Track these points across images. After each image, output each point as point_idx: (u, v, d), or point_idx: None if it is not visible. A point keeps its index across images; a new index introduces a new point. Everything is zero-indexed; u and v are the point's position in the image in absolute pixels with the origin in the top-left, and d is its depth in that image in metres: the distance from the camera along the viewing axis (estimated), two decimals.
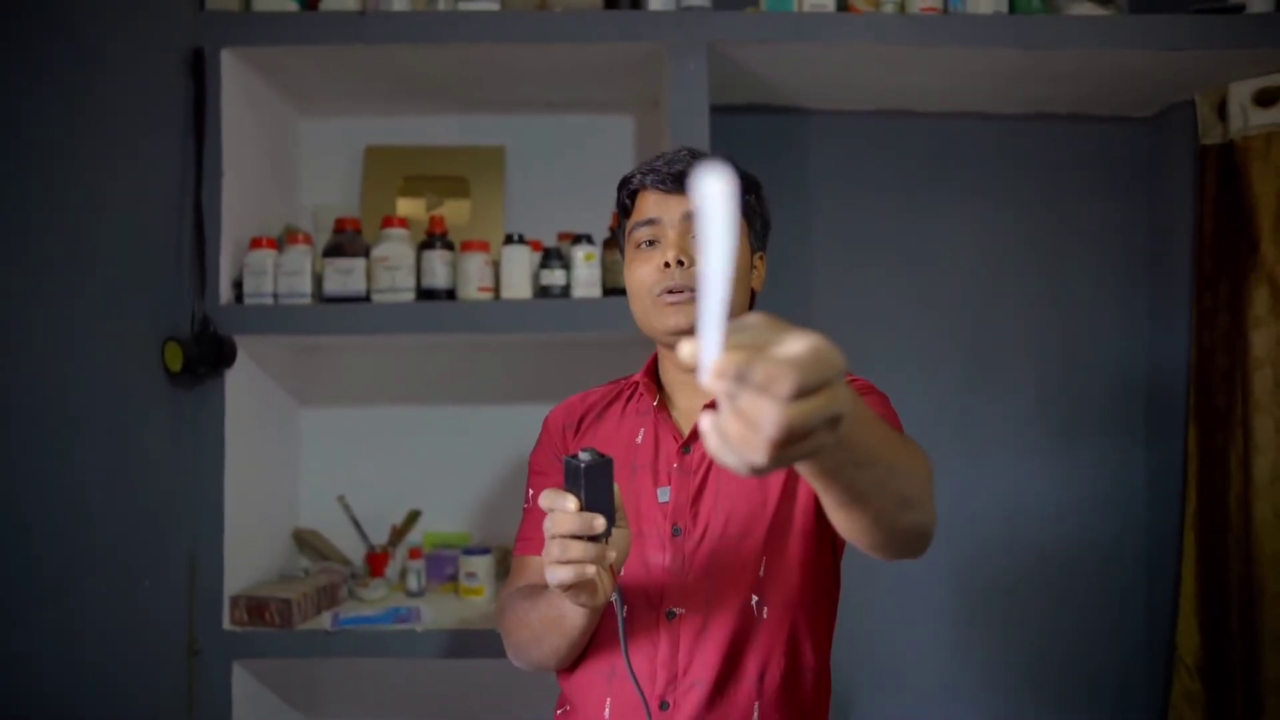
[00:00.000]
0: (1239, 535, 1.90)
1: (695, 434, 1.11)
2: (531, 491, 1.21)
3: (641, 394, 1.19)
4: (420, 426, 2.19)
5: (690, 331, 1.09)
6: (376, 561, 2.07)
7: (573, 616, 0.98)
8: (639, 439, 1.15)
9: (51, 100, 1.40)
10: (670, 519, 1.10)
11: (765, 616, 1.07)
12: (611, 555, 0.88)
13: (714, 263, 0.68)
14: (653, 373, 1.22)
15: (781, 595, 1.07)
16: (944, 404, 2.22)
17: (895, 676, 2.18)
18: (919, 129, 2.23)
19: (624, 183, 1.19)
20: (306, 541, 2.11)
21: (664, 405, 1.17)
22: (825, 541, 1.10)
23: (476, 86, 2.07)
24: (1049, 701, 2.19)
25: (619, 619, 0.97)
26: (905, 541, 0.86)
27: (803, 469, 0.69)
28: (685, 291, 1.08)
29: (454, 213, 2.15)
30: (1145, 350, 2.22)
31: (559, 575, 0.87)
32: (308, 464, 2.19)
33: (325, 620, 1.81)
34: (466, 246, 1.84)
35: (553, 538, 0.87)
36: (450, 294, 1.83)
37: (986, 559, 2.20)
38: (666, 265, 1.10)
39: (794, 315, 2.17)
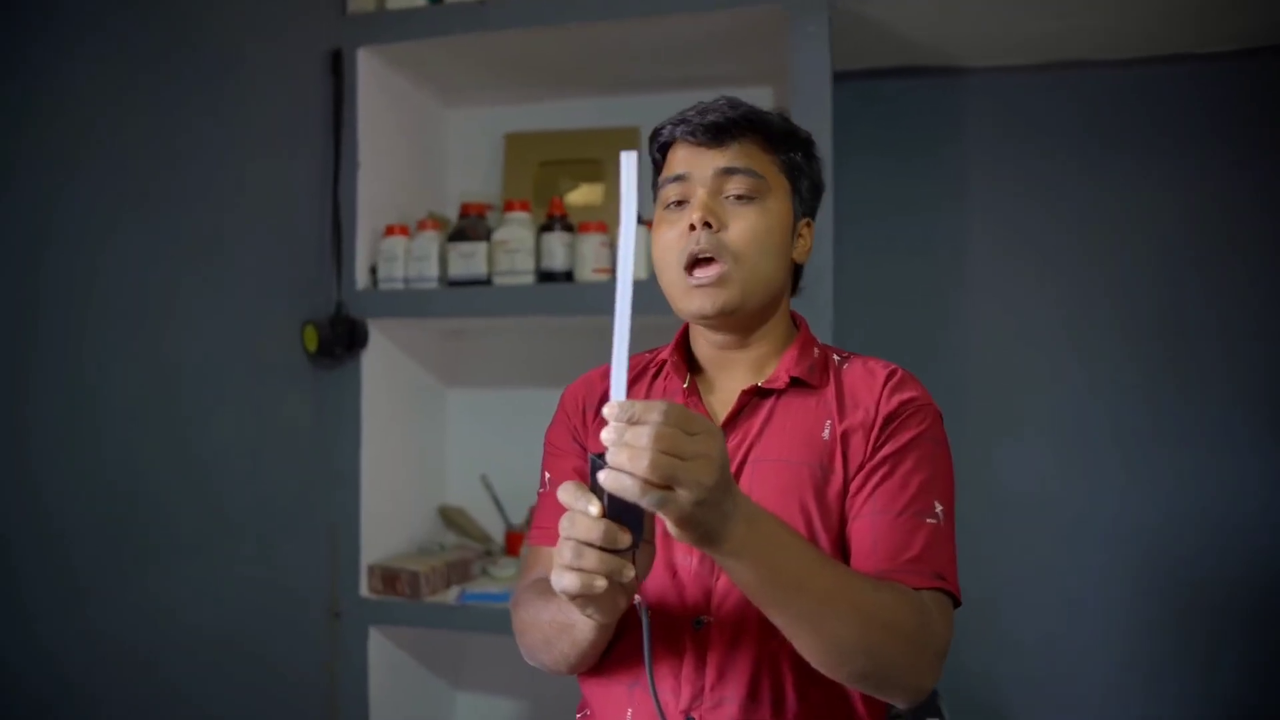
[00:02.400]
0: None
1: (730, 421, 1.01)
2: (548, 475, 1.10)
3: (670, 372, 1.07)
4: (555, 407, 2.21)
5: (717, 316, 0.98)
6: (513, 541, 2.12)
7: (582, 627, 0.88)
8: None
9: (201, 104, 1.54)
10: None
11: None
12: (630, 574, 0.75)
13: (621, 275, 0.67)
14: (683, 348, 1.09)
15: None
16: (1129, 398, 1.94)
17: (1060, 696, 1.94)
18: (1095, 81, 1.96)
19: (654, 135, 1.05)
20: (451, 518, 2.20)
21: (695, 386, 1.04)
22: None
23: (607, 67, 2.05)
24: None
25: (645, 634, 0.85)
26: (867, 687, 0.88)
27: (730, 575, 0.79)
28: (714, 263, 0.96)
29: (588, 196, 2.15)
30: None
31: (565, 582, 0.75)
32: (455, 443, 2.28)
33: (452, 594, 1.88)
34: (584, 228, 1.83)
35: (566, 539, 0.75)
36: (568, 276, 1.83)
37: (1185, 573, 1.91)
38: (692, 227, 0.96)
39: (941, 302, 2.01)
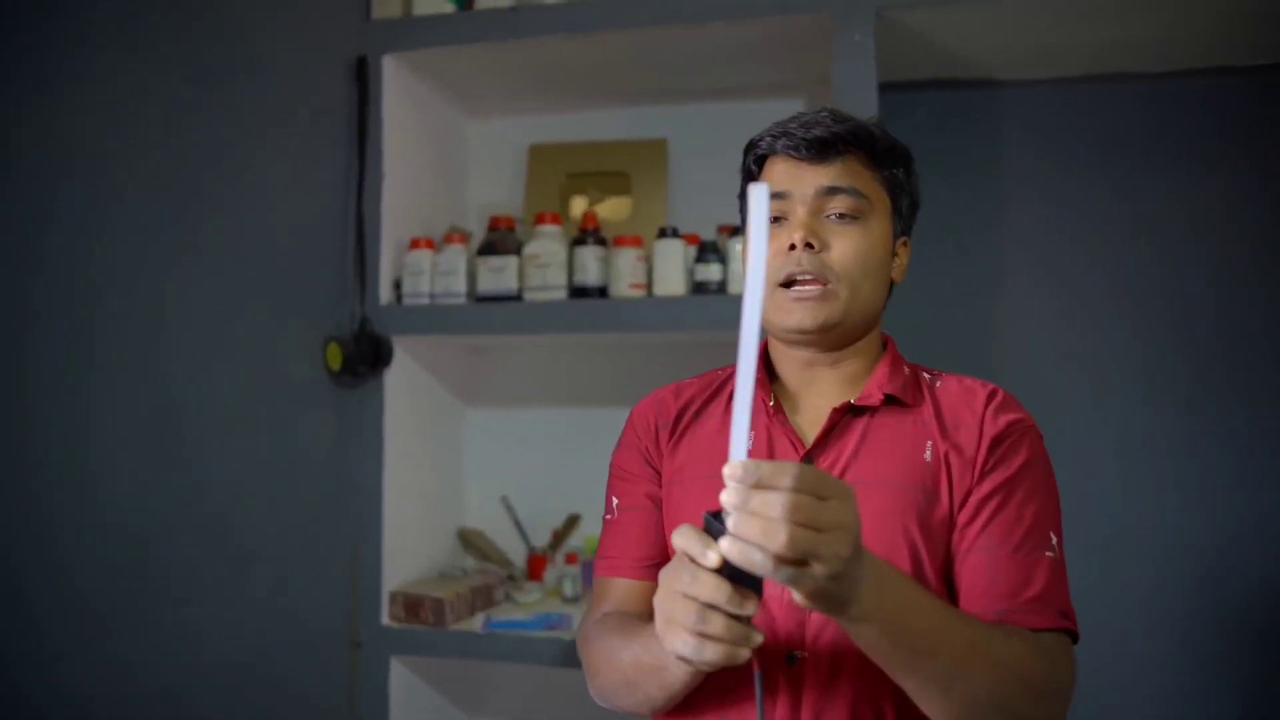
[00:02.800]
0: None
1: (821, 441, 0.94)
2: (616, 500, 1.04)
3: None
4: (580, 428, 2.15)
5: (817, 332, 0.94)
6: (535, 564, 2.04)
7: (676, 670, 0.81)
8: (749, 443, 0.98)
9: (221, 110, 1.46)
10: None
11: None
12: (758, 640, 0.68)
13: (747, 317, 0.60)
14: (764, 365, 1.03)
15: None
16: (1170, 412, 1.89)
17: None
18: (1136, 94, 1.92)
19: (750, 146, 1.01)
20: (471, 541, 2.12)
21: (780, 406, 0.99)
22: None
23: (636, 77, 2.00)
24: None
25: (758, 693, 0.79)
26: None
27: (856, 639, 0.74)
28: (815, 283, 0.92)
29: (615, 210, 2.10)
30: None
31: (687, 648, 0.67)
32: (474, 464, 2.21)
33: (478, 621, 1.80)
34: (619, 242, 1.77)
35: (687, 598, 0.67)
36: (602, 291, 1.77)
37: (1233, 595, 1.86)
38: (792, 248, 0.92)
39: (978, 319, 1.96)
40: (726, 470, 0.62)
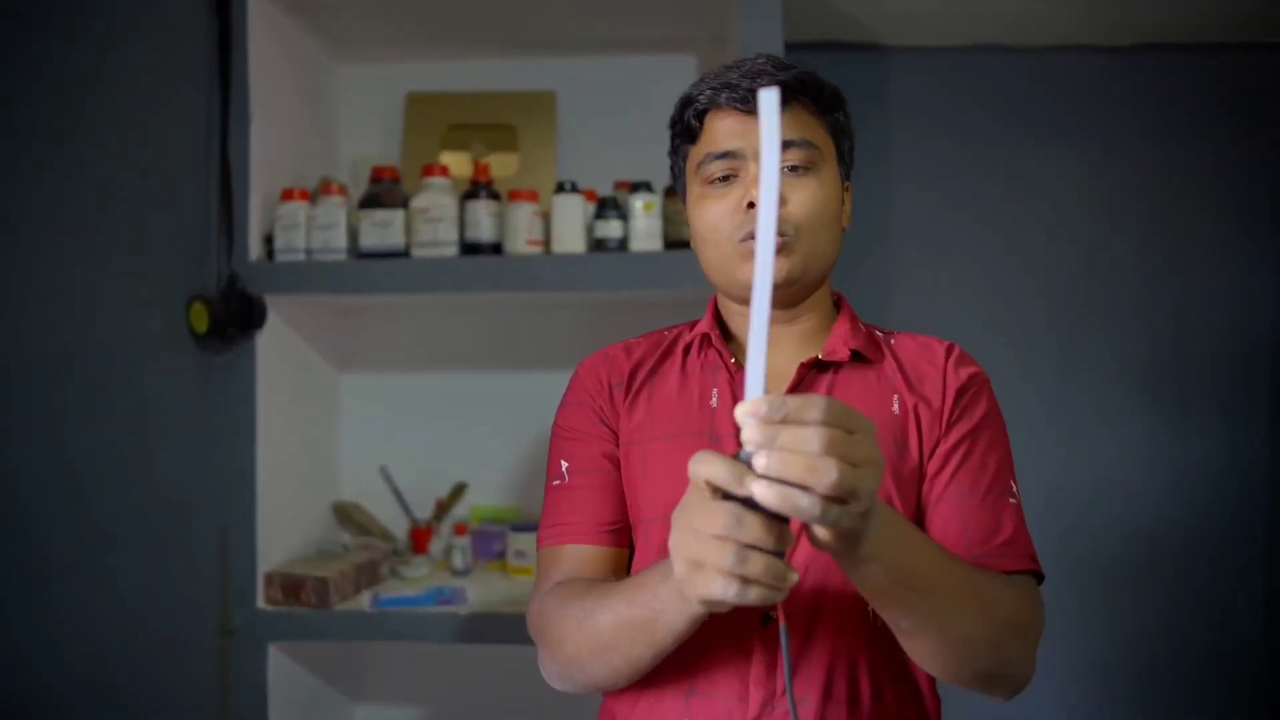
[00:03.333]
0: None
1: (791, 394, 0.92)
2: (566, 464, 0.97)
3: (708, 349, 0.97)
4: (466, 393, 2.06)
5: (779, 288, 0.90)
6: (420, 537, 1.94)
7: (673, 619, 0.74)
8: (714, 401, 0.94)
9: (63, 43, 1.26)
10: None
11: (881, 625, 0.86)
12: (795, 578, 0.61)
13: (762, 247, 0.54)
14: (717, 325, 1.00)
15: None
16: (1039, 372, 2.01)
17: None
18: (1014, 65, 2.00)
19: (687, 101, 0.95)
20: (348, 515, 2.00)
21: (741, 364, 0.95)
22: None
23: (524, 25, 1.90)
24: (1150, 703, 1.99)
25: (784, 647, 0.68)
26: (981, 684, 0.82)
27: (857, 579, 0.72)
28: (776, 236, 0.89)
29: (501, 165, 1.99)
30: (1272, 311, 1.98)
31: (730, 592, 0.60)
32: (349, 433, 2.07)
33: (364, 600, 1.69)
34: (514, 196, 1.68)
35: (720, 538, 0.59)
36: (496, 248, 1.68)
37: (1082, 543, 1.99)
38: (750, 206, 0.89)
39: (869, 278, 2.01)
40: (745, 408, 0.56)
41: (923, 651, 0.78)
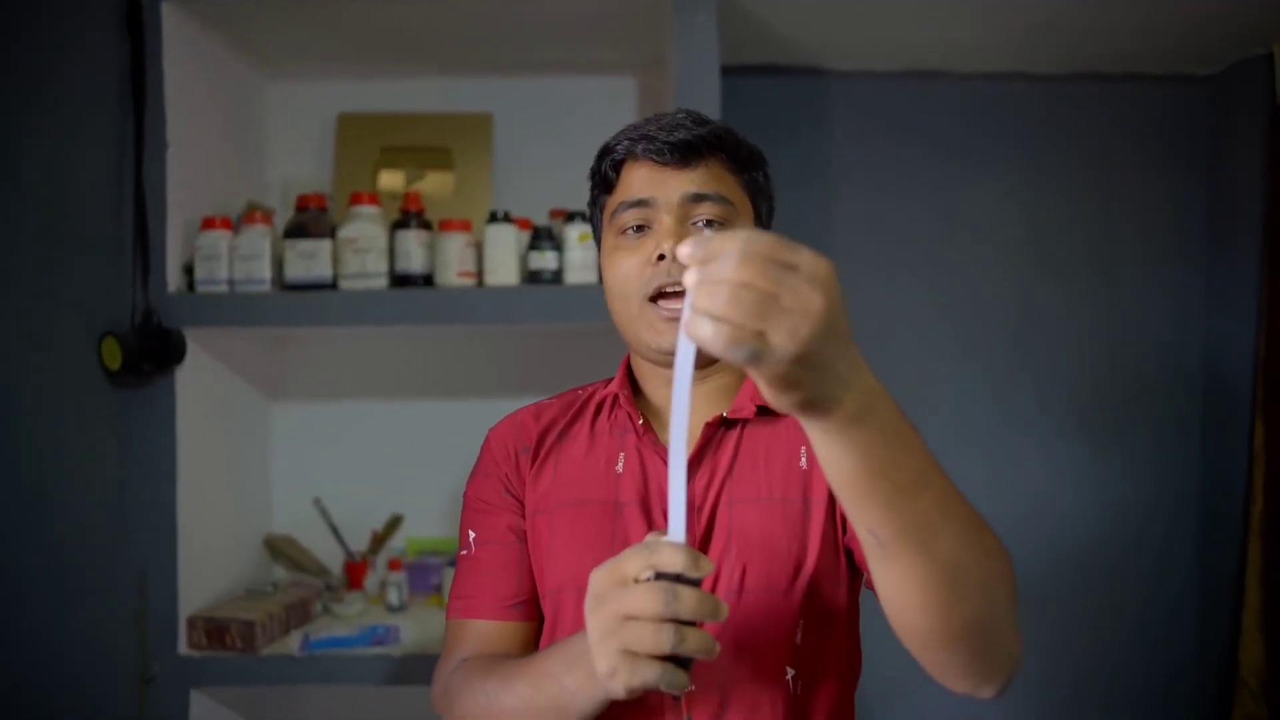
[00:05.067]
0: None
1: (695, 459, 0.89)
2: (473, 534, 0.96)
3: (617, 409, 0.95)
4: (401, 423, 2.00)
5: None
6: (355, 571, 1.89)
7: (583, 705, 0.74)
8: (619, 467, 0.92)
9: None
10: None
11: (799, 693, 0.85)
12: (718, 649, 0.63)
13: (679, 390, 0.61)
14: (629, 384, 0.97)
15: (826, 666, 0.86)
16: (977, 395, 2.02)
17: (909, 684, 1.99)
18: (952, 92, 2.01)
19: (605, 151, 0.94)
20: (280, 549, 1.93)
21: (649, 424, 0.93)
22: (855, 591, 0.90)
23: (461, 46, 1.86)
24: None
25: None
26: (971, 647, 0.68)
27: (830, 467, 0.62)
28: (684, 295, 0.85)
29: (437, 186, 1.95)
30: (1202, 337, 2.02)
31: (650, 676, 0.62)
32: (281, 464, 2.01)
33: (294, 642, 1.63)
34: (445, 226, 1.64)
35: (664, 622, 0.61)
36: (427, 279, 1.63)
37: (1019, 564, 2.00)
38: (661, 258, 0.87)
39: None
40: (682, 250, 0.55)
41: (905, 584, 0.65)
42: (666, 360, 0.89)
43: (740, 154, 0.92)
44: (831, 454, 0.60)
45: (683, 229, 0.87)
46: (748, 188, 0.93)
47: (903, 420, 0.62)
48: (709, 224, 0.89)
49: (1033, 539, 2.00)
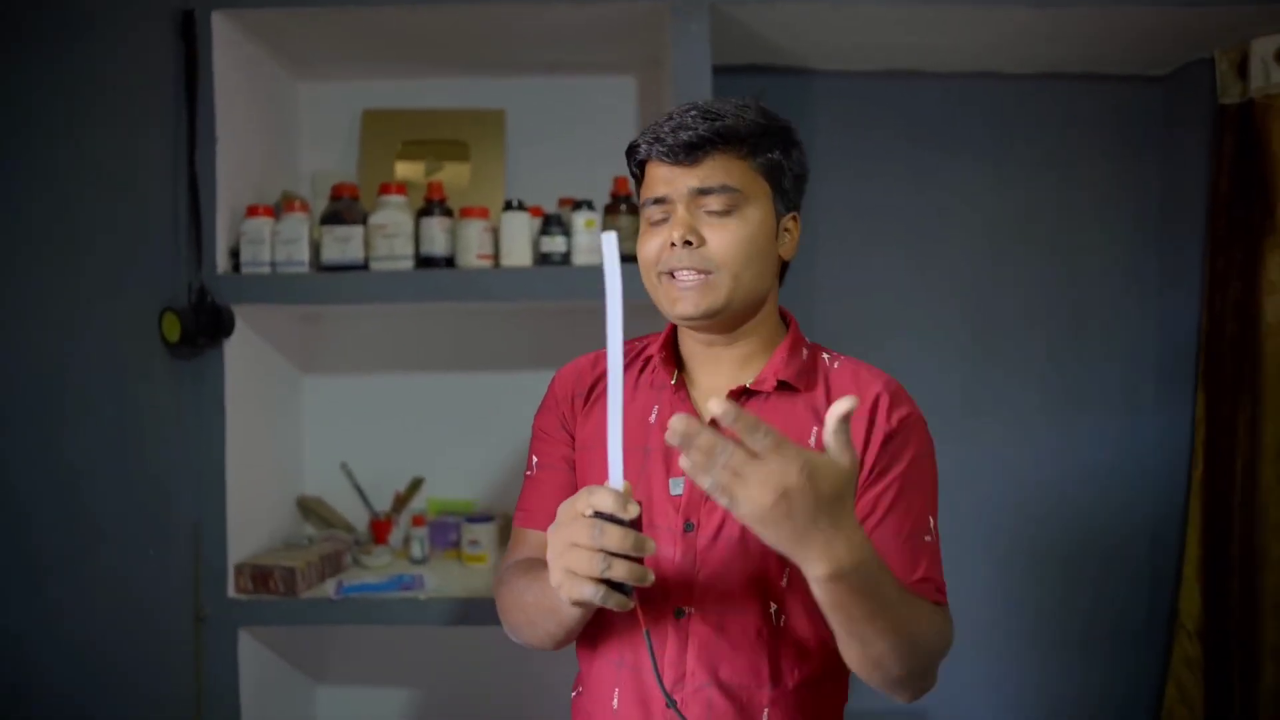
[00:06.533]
0: (1244, 503, 1.88)
1: (715, 424, 0.97)
2: (535, 459, 1.13)
3: (657, 367, 1.08)
4: (422, 394, 2.19)
5: (702, 318, 1.01)
6: (380, 529, 2.07)
7: (568, 609, 0.91)
8: (652, 418, 1.06)
9: (36, 68, 1.37)
10: (683, 513, 1.01)
11: (783, 625, 1.00)
12: (651, 578, 0.82)
13: (612, 359, 0.79)
14: (670, 344, 1.11)
15: (804, 606, 0.98)
16: (951, 374, 2.19)
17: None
18: (928, 91, 2.18)
19: (631, 150, 1.06)
20: (311, 509, 2.12)
21: (683, 383, 1.07)
22: None
23: (476, 48, 2.03)
24: (1054, 665, 2.19)
25: (648, 644, 0.94)
26: (886, 688, 0.93)
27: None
28: (692, 274, 0.99)
29: (454, 177, 2.12)
30: (1155, 318, 2.19)
31: (587, 592, 0.81)
32: (312, 431, 2.19)
33: (329, 588, 1.82)
34: (465, 213, 1.81)
35: (588, 549, 0.80)
36: (449, 261, 1.81)
37: (994, 530, 2.19)
38: (673, 245, 1.00)
39: (795, 288, 2.16)
40: (668, 437, 0.74)
41: (845, 654, 0.89)
42: (683, 324, 1.05)
43: (749, 141, 1.00)
44: (816, 588, 0.80)
45: (694, 218, 1.00)
46: (763, 169, 1.02)
47: (875, 576, 0.81)
48: (717, 212, 1.00)
49: (1006, 508, 2.18)
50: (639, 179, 1.08)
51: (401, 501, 2.13)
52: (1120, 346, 2.20)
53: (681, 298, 1.01)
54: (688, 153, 0.99)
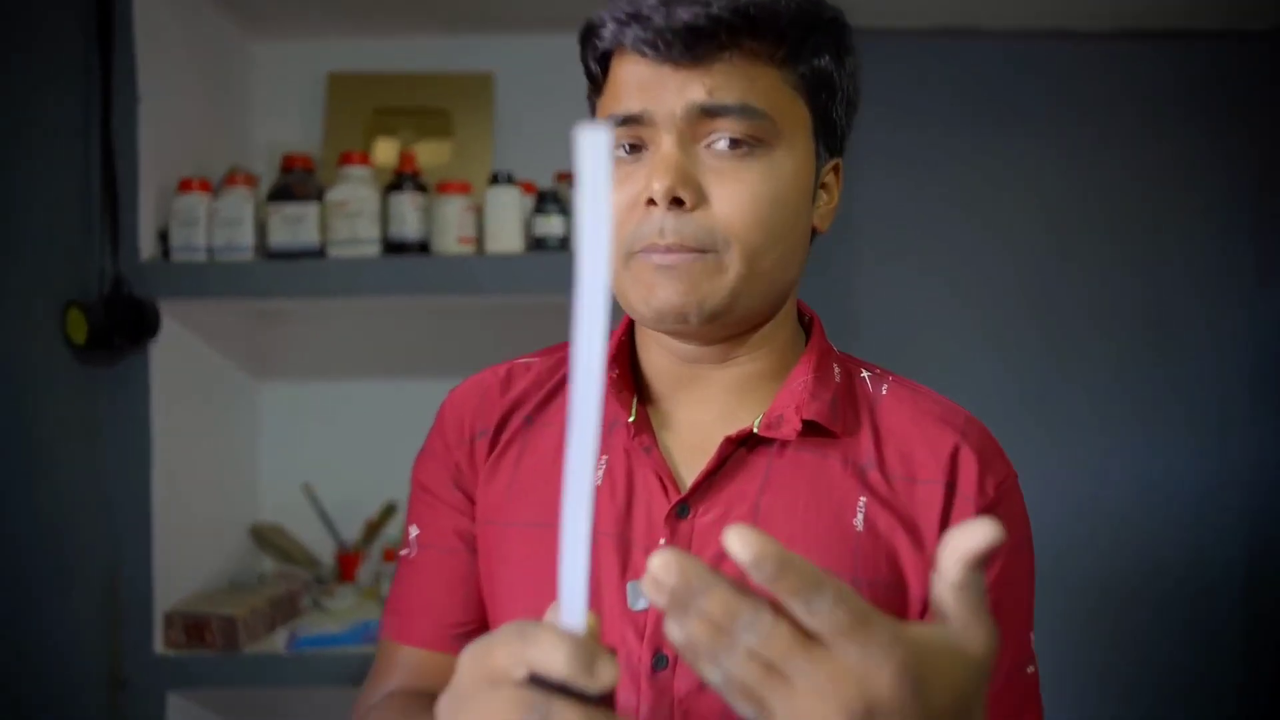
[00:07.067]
0: None
1: (702, 484, 0.65)
2: (415, 530, 0.75)
3: (606, 394, 0.67)
4: (397, 403, 1.88)
5: (694, 321, 0.63)
6: (347, 563, 1.78)
7: None
8: (598, 475, 0.68)
9: None
10: (649, 640, 0.65)
11: None
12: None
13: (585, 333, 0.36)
14: (625, 356, 0.72)
15: None
16: (1008, 385, 1.91)
17: None
18: (986, 51, 1.89)
19: (588, 32, 0.68)
20: (267, 539, 1.82)
21: (646, 421, 0.68)
22: None
23: (460, 2, 1.74)
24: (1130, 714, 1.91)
25: None
26: None
27: None
28: (680, 252, 0.61)
29: (432, 153, 1.83)
30: (1251, 317, 1.91)
31: None
32: (269, 448, 1.90)
33: (279, 640, 1.52)
34: (443, 188, 1.52)
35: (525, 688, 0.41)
36: (423, 246, 1.51)
37: (1055, 569, 1.88)
38: (651, 204, 0.62)
39: (831, 282, 1.88)
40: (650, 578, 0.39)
41: None
42: (660, 328, 0.66)
43: (789, 35, 0.63)
44: None
45: (690, 157, 0.61)
46: (806, 86, 0.65)
47: None
48: (733, 144, 0.61)
49: (1076, 534, 1.89)
50: (597, 82, 0.69)
51: (373, 529, 1.83)
52: (1208, 352, 1.91)
53: (659, 284, 0.63)
54: (690, 43, 0.60)
